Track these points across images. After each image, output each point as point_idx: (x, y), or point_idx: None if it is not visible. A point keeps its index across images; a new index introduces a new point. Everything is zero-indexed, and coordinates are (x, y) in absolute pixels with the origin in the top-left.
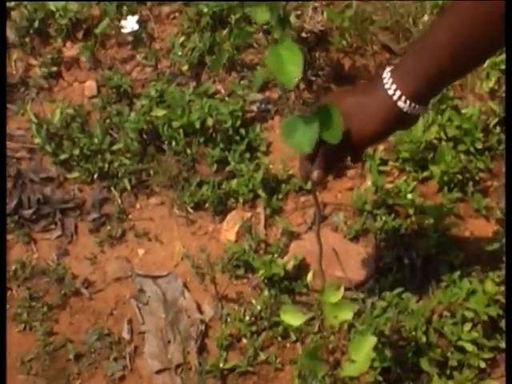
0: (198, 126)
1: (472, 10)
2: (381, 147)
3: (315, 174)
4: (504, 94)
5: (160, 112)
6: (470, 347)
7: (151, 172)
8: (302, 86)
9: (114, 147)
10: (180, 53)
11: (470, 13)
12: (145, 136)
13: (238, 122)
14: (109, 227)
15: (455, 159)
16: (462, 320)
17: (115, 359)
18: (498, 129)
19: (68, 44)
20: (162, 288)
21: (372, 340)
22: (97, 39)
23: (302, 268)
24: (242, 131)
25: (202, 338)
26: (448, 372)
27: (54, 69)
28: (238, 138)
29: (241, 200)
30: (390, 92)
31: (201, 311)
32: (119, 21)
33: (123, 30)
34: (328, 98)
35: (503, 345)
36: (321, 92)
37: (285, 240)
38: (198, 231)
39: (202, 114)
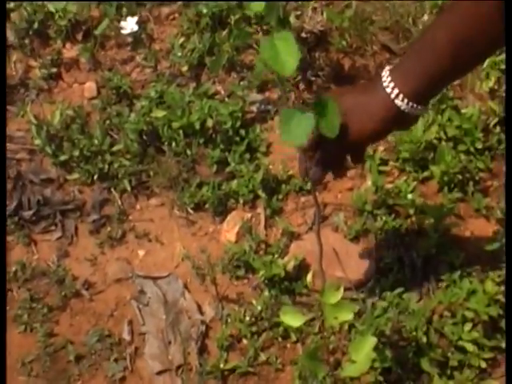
0: (197, 126)
1: (472, 9)
2: (381, 147)
3: (314, 172)
4: (504, 94)
5: (160, 113)
6: (470, 347)
7: (151, 173)
8: (302, 86)
9: (114, 148)
10: (180, 54)
11: (470, 12)
12: (145, 137)
13: (238, 123)
14: (109, 228)
15: (455, 159)
16: (462, 320)
17: (116, 360)
18: (497, 129)
19: (68, 45)
20: (162, 289)
21: (372, 340)
22: (96, 40)
23: (302, 268)
24: (242, 132)
25: (203, 339)
26: (449, 372)
27: (54, 70)
28: (237, 138)
29: (241, 201)
30: (388, 90)
31: (201, 312)
32: (119, 22)
33: (123, 31)
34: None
35: (504, 345)
36: (321, 92)
37: (285, 240)
38: (198, 232)
39: (202, 115)
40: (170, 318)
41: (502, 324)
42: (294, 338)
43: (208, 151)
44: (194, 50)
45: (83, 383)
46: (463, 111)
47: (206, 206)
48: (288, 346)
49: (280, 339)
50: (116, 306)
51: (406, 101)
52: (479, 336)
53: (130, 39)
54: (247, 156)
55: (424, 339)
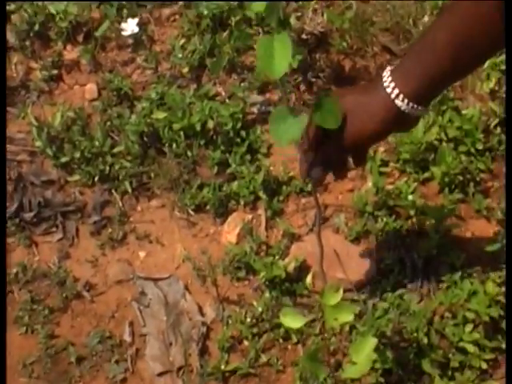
0: (198, 128)
1: (472, 9)
2: (381, 148)
3: (314, 173)
4: (504, 95)
5: (160, 114)
6: (471, 348)
7: (152, 174)
8: (303, 87)
9: (115, 150)
10: (180, 55)
11: (470, 13)
12: (145, 138)
13: (239, 124)
14: (110, 230)
15: (456, 160)
16: (463, 321)
17: (117, 362)
18: (498, 129)
19: (68, 47)
20: (163, 290)
21: (373, 341)
22: (97, 42)
23: (302, 270)
24: (243, 133)
25: (204, 340)
26: (449, 373)
27: (55, 72)
28: (238, 140)
29: (242, 202)
30: (389, 90)
31: (202, 313)
32: (119, 23)
33: (123, 33)
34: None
35: (505, 346)
36: (320, 93)
37: (286, 242)
38: (199, 233)
39: (203, 117)
40: (170, 320)
41: (503, 325)
42: (294, 339)
43: (209, 152)
44: (195, 52)
45: None
46: (464, 112)
47: (207, 207)
48: (289, 347)
49: (281, 340)
50: (117, 307)
51: (406, 101)
52: (480, 337)
53: (130, 41)
54: (248, 157)
55: (425, 340)
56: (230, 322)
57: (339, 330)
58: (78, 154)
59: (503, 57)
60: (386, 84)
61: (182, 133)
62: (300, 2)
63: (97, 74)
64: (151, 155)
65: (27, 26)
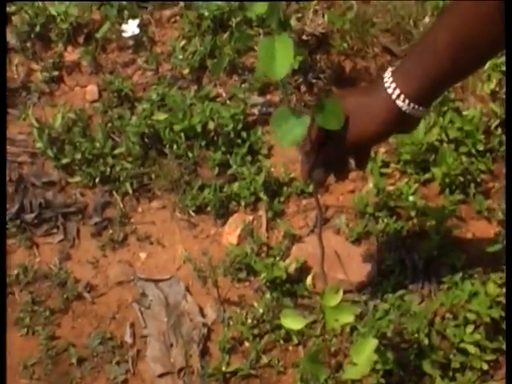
0: (199, 129)
1: (472, 9)
2: (382, 149)
3: (316, 174)
4: (505, 96)
5: (161, 116)
6: (472, 349)
7: (153, 176)
8: (304, 88)
9: (116, 151)
10: (181, 56)
11: (471, 13)
12: (146, 140)
13: (240, 126)
14: (111, 231)
15: (457, 161)
16: (464, 322)
17: (118, 363)
18: (499, 130)
19: (69, 48)
20: (164, 292)
21: (374, 342)
22: (98, 43)
23: (303, 271)
24: (244, 134)
25: (205, 342)
26: (450, 374)
27: (56, 73)
28: (239, 141)
29: (242, 203)
30: (390, 91)
31: (203, 314)
32: (120, 25)
33: (124, 34)
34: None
35: (505, 346)
36: (322, 95)
37: (286, 243)
38: (199, 234)
39: (204, 118)
40: (171, 321)
41: (504, 326)
42: (295, 340)
43: (209, 154)
44: (196, 53)
45: None
46: (464, 113)
47: (208, 208)
48: (290, 348)
49: (282, 342)
50: (118, 308)
51: (407, 102)
52: (481, 338)
53: (131, 42)
54: (249, 158)
55: (426, 341)
56: (231, 323)
57: (340, 331)
58: (78, 156)
59: (504, 58)
60: (387, 85)
61: (182, 134)
62: (301, 3)
63: (97, 75)
64: (152, 156)
65: (28, 27)
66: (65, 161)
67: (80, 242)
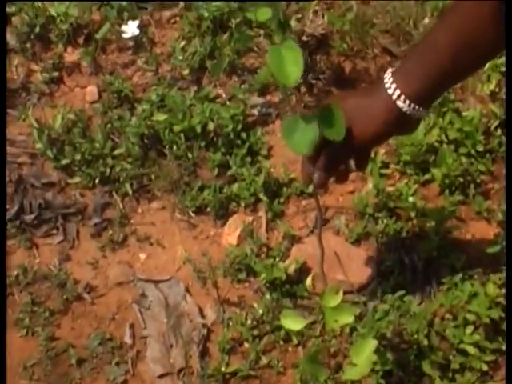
0: (199, 130)
1: (475, 10)
2: (382, 150)
3: (317, 176)
4: (505, 96)
5: (161, 116)
6: (471, 350)
7: (152, 176)
8: (303, 89)
9: (116, 152)
10: (181, 57)
11: (473, 13)
12: (146, 140)
13: (239, 126)
14: (110, 232)
15: (456, 162)
16: (463, 323)
17: (117, 364)
18: (498, 131)
19: (69, 49)
20: (163, 292)
21: (373, 343)
22: (98, 44)
23: (303, 272)
24: (243, 135)
25: (204, 342)
26: (450, 375)
27: (55, 74)
28: (239, 141)
29: (242, 204)
30: (390, 91)
31: (203, 315)
32: (120, 26)
33: (124, 35)
34: (329, 99)
35: (505, 347)
36: (322, 95)
37: (286, 244)
38: (199, 235)
39: (203, 119)
40: (171, 322)
41: (504, 327)
42: (295, 341)
43: (209, 154)
44: (195, 54)
45: None
46: (464, 114)
47: (208, 209)
48: (289, 349)
49: (281, 342)
50: (117, 309)
51: (407, 102)
52: (481, 339)
53: (131, 43)
54: (248, 159)
55: (425, 342)
56: (231, 323)
57: (339, 332)
58: (78, 156)
59: (504, 58)
60: (387, 85)
61: (182, 135)
62: (300, 4)
63: (97, 76)
64: (152, 157)
65: (28, 28)
66: (64, 161)
67: (80, 242)
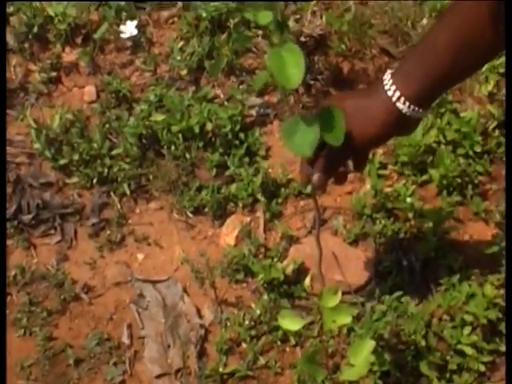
0: (197, 130)
1: (474, 9)
2: (380, 151)
3: (316, 178)
4: (503, 98)
5: (159, 117)
6: (469, 351)
7: (150, 177)
8: (301, 89)
9: (114, 152)
10: (179, 57)
11: (472, 13)
12: (144, 141)
13: (237, 127)
14: (108, 232)
15: (454, 163)
16: (461, 323)
17: (115, 364)
18: (496, 132)
19: (67, 49)
20: (161, 293)
21: (371, 344)
22: (96, 44)
23: (301, 272)
24: (241, 135)
25: (202, 343)
26: (447, 376)
27: (54, 74)
28: (237, 142)
29: (240, 204)
30: (390, 93)
31: (200, 316)
32: (118, 26)
33: (122, 35)
34: (328, 101)
35: (503, 348)
36: (320, 96)
37: (284, 244)
38: (197, 236)
39: (201, 119)
40: (169, 322)
41: (501, 327)
42: (292, 341)
43: (207, 155)
44: (194, 54)
45: None
46: (462, 115)
47: (206, 209)
48: (287, 349)
49: (279, 343)
50: (115, 309)
51: (407, 104)
52: (478, 339)
53: (129, 43)
54: (246, 160)
55: (423, 343)
56: (228, 324)
57: (337, 333)
58: (76, 156)
59: (502, 59)
60: (386, 87)
61: (180, 135)
62: (299, 5)
63: (95, 76)
64: (150, 157)
65: (26, 28)
66: (62, 162)
67: (77, 242)
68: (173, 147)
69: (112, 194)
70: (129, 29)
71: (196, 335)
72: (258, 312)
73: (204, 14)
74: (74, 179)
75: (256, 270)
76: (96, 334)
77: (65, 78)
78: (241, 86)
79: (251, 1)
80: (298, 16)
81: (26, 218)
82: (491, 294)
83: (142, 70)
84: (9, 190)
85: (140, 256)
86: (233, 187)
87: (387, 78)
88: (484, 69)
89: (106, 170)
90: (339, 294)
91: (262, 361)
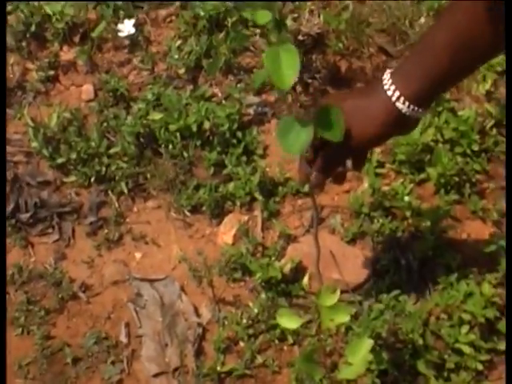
0: (194, 129)
1: (472, 9)
2: (378, 150)
3: (314, 177)
4: (501, 96)
5: (157, 115)
6: (467, 349)
7: (148, 175)
8: (299, 88)
9: (111, 151)
10: (177, 56)
11: (471, 13)
12: (142, 139)
13: (235, 125)
14: (106, 231)
15: (452, 161)
16: (459, 322)
17: (113, 363)
18: (494, 131)
19: (65, 48)
20: (159, 291)
21: (369, 342)
22: (93, 43)
23: (298, 271)
24: (239, 134)
25: (200, 341)
26: (445, 374)
27: (51, 73)
28: (234, 141)
29: (238, 203)
30: (389, 93)
31: (198, 314)
32: (116, 24)
33: (120, 34)
34: (327, 100)
35: (500, 347)
36: (317, 95)
37: (282, 243)
38: (195, 234)
39: (199, 118)
40: (166, 321)
41: (499, 326)
42: (290, 340)
43: (205, 153)
44: (191, 53)
45: None
46: (460, 113)
47: (203, 208)
48: (285, 348)
49: (277, 341)
50: (113, 308)
51: (407, 103)
52: (476, 338)
53: (127, 42)
54: (244, 158)
55: (420, 341)
56: (226, 322)
57: (335, 331)
58: (74, 155)
59: (499, 58)
60: (386, 87)
61: (178, 134)
62: (296, 4)
63: (93, 74)
64: (147, 156)
65: (23, 26)
66: (60, 160)
67: (75, 241)
68: (170, 146)
69: (110, 192)
70: (126, 27)
71: (194, 334)
72: (256, 311)
73: (202, 13)
74: (72, 178)
75: (254, 268)
76: (94, 332)
77: (62, 76)
78: (238, 85)
79: (249, 0)
80: (295, 15)
81: (24, 216)
82: (489, 292)
83: (139, 69)
84: (7, 188)
85: (138, 255)
86: (230, 186)
87: (386, 77)
88: (481, 67)
89: (103, 169)
90: (337, 292)
91: (259, 359)
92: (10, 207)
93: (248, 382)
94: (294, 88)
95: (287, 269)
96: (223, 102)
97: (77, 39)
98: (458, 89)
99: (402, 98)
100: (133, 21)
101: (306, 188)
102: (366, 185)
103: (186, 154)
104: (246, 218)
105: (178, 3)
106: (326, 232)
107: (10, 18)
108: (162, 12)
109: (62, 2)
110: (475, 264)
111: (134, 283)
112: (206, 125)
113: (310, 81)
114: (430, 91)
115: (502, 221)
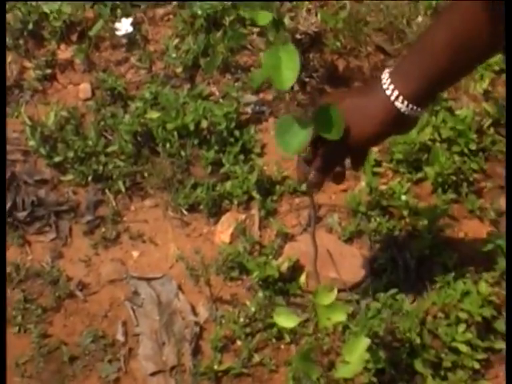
0: (192, 128)
1: (471, 9)
2: (375, 149)
3: (313, 176)
4: (498, 95)
5: (154, 114)
6: (463, 348)
7: (145, 174)
8: (296, 87)
9: (109, 149)
10: (174, 55)
11: (470, 13)
12: (139, 138)
13: (233, 124)
14: (103, 229)
15: (449, 160)
16: (456, 321)
17: (109, 361)
18: (491, 130)
19: (62, 46)
20: (156, 290)
21: (366, 341)
22: (91, 41)
23: (296, 269)
24: (237, 133)
25: (197, 340)
26: (442, 373)
27: (49, 71)
28: (232, 139)
29: (235, 202)
30: (388, 92)
31: (195, 313)
32: (113, 23)
33: (117, 33)
34: (325, 99)
35: (497, 346)
36: (315, 94)
37: (279, 241)
38: (192, 233)
39: (197, 116)
40: (163, 319)
41: (496, 325)
42: (287, 339)
43: (202, 152)
44: (189, 51)
45: None
46: (457, 112)
47: (201, 207)
48: (282, 347)
49: (274, 340)
50: (110, 306)
51: (406, 103)
52: (473, 337)
53: (124, 40)
54: (241, 157)
55: (417, 340)
56: (223, 321)
57: (332, 330)
58: (71, 154)
59: (497, 57)
60: (385, 86)
61: (175, 132)
62: (294, 2)
63: (91, 73)
64: (145, 155)
65: (21, 25)
66: (57, 159)
67: (72, 240)
68: (168, 145)
69: (107, 191)
70: (124, 26)
71: (191, 332)
72: (253, 309)
73: (199, 12)
74: (69, 176)
75: (251, 267)
76: (91, 331)
77: (60, 75)
78: (236, 84)
79: (248, 0)
80: (293, 13)
81: (21, 215)
82: (486, 291)
83: (137, 68)
84: None
85: (135, 253)
86: (228, 185)
87: (385, 76)
88: (479, 66)
89: (100, 168)
90: (334, 291)
91: (256, 358)
92: (7, 205)
93: (245, 380)
94: (291, 87)
95: (284, 267)
96: (221, 100)
97: (74, 38)
98: (456, 88)
99: (400, 98)
100: (130, 19)
101: (304, 187)
102: (363, 184)
103: (183, 153)
104: (243, 216)
105: (175, 2)
106: (324, 231)
107: (8, 17)
108: (160, 11)
109: (60, 1)
110: (472, 263)
111: (131, 282)
112: (204, 123)
113: (307, 80)
114: (429, 90)
115: (500, 220)
